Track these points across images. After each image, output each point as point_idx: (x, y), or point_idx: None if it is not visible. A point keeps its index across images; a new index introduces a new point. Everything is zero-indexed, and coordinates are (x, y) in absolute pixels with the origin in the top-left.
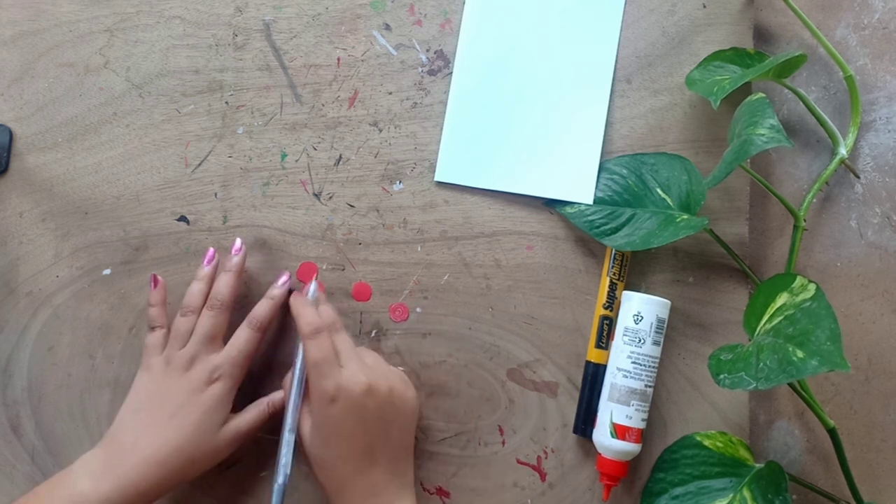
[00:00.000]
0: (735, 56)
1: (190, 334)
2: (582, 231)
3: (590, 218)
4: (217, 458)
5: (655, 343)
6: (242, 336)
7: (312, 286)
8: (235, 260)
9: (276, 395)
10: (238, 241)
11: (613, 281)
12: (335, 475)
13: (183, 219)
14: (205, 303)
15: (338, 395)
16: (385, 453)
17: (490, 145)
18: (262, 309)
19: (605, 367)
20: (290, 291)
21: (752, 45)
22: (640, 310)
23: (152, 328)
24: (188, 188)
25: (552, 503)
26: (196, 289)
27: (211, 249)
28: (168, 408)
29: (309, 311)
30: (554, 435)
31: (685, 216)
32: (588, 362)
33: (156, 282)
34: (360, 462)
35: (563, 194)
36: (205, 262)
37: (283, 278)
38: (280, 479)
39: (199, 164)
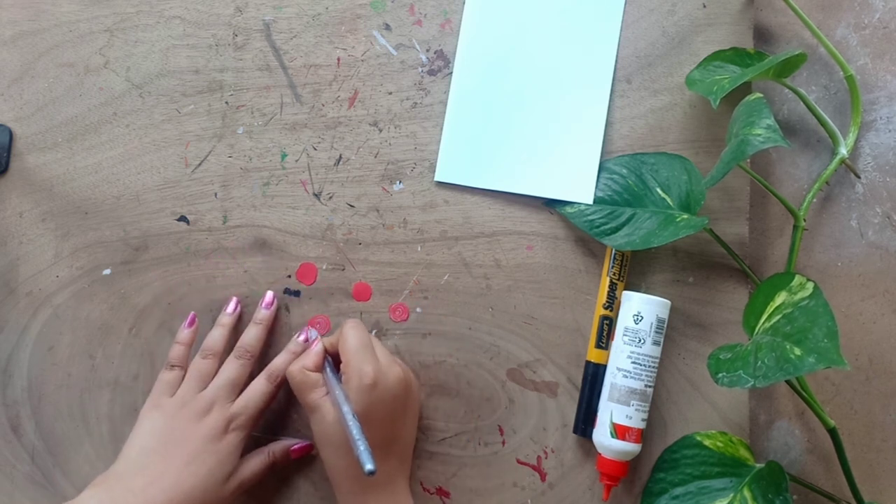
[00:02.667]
0: (735, 56)
1: (209, 378)
2: (582, 231)
3: (590, 218)
4: None
5: (655, 343)
6: (260, 388)
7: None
8: (266, 314)
9: (276, 446)
10: (269, 295)
11: (613, 281)
12: (354, 462)
13: (183, 219)
14: (225, 348)
15: (377, 380)
16: (399, 444)
17: (490, 145)
18: (282, 362)
19: (605, 367)
20: (277, 311)
21: (752, 45)
22: (640, 310)
23: (171, 367)
24: (188, 188)
25: (552, 503)
26: (218, 334)
27: (235, 299)
28: (184, 452)
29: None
30: (554, 435)
31: (685, 216)
32: (588, 362)
33: (192, 322)
34: (380, 450)
35: (563, 194)
36: (227, 310)
37: (268, 298)
38: (370, 466)
39: (199, 164)
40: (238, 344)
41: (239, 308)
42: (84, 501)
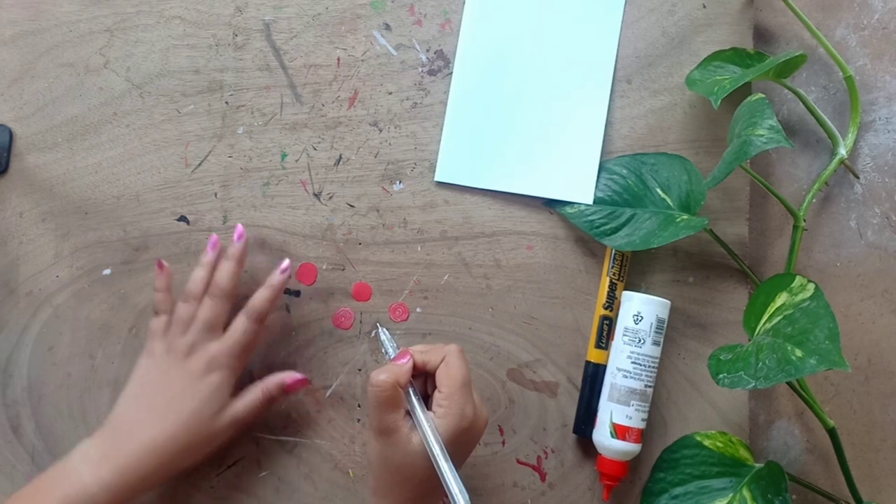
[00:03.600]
0: (735, 56)
1: (192, 321)
2: (582, 231)
3: (590, 218)
4: (214, 445)
5: (655, 343)
6: (240, 326)
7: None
8: (237, 247)
9: (270, 380)
10: (240, 227)
11: (613, 281)
12: (419, 495)
13: (183, 219)
14: (206, 289)
15: (473, 425)
16: None
17: (490, 145)
18: (260, 298)
19: (605, 367)
20: (288, 279)
21: (752, 45)
22: (640, 310)
23: (157, 313)
24: (188, 188)
25: (552, 503)
26: (199, 275)
27: (214, 236)
28: (166, 395)
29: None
30: (554, 435)
31: (685, 216)
32: (588, 362)
33: (161, 267)
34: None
35: (563, 194)
36: (208, 249)
37: (285, 265)
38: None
39: (199, 164)
40: (212, 282)
41: (220, 245)
42: (76, 450)
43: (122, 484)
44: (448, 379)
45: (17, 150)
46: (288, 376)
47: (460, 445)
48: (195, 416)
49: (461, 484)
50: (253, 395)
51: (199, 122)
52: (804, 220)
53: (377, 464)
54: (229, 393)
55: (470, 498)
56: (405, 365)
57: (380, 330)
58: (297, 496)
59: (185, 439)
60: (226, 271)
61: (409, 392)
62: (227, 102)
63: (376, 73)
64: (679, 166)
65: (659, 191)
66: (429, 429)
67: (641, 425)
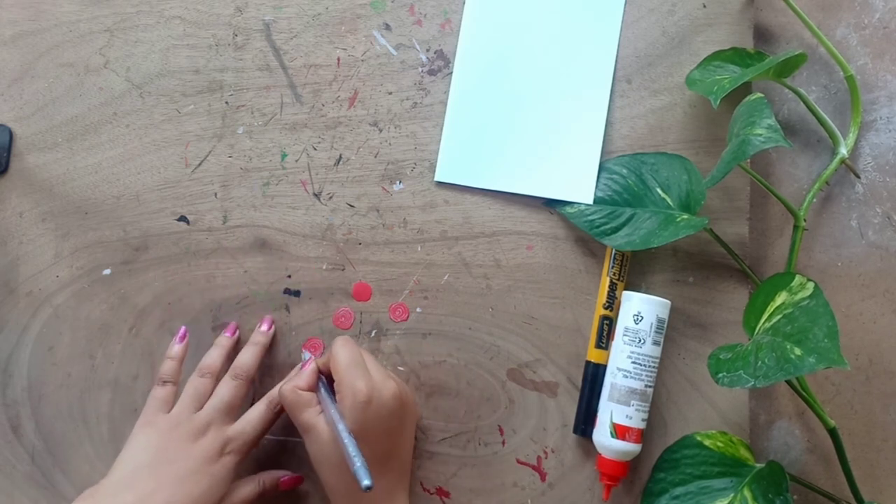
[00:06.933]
0: (735, 56)
1: (205, 398)
2: (582, 231)
3: (590, 218)
4: None
5: (655, 343)
6: (258, 414)
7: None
8: (265, 334)
9: (268, 475)
10: (268, 320)
11: (613, 281)
12: (351, 479)
13: (183, 219)
14: (222, 368)
15: (371, 396)
16: (397, 458)
17: (490, 145)
18: (248, 357)
19: (605, 367)
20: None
21: (752, 45)
22: (640, 310)
23: (163, 382)
24: (188, 188)
25: (552, 503)
26: (216, 354)
27: (233, 323)
28: (179, 472)
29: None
30: (554, 435)
31: (685, 216)
32: (588, 362)
33: (183, 337)
34: (378, 466)
35: (563, 194)
36: (227, 332)
37: (266, 325)
38: (367, 482)
39: (199, 164)
40: (234, 364)
41: (237, 333)
42: None
43: None
44: (335, 365)
45: (17, 150)
46: (283, 474)
47: (369, 420)
48: (203, 497)
49: (362, 460)
50: (250, 487)
51: (199, 122)
52: (805, 220)
53: (314, 463)
54: (232, 479)
55: (371, 478)
56: (305, 370)
57: (303, 353)
58: (297, 496)
59: None
60: (251, 355)
61: (319, 389)
62: (227, 102)
63: (376, 73)
64: (679, 166)
65: (659, 190)
66: (333, 413)
67: (641, 425)
